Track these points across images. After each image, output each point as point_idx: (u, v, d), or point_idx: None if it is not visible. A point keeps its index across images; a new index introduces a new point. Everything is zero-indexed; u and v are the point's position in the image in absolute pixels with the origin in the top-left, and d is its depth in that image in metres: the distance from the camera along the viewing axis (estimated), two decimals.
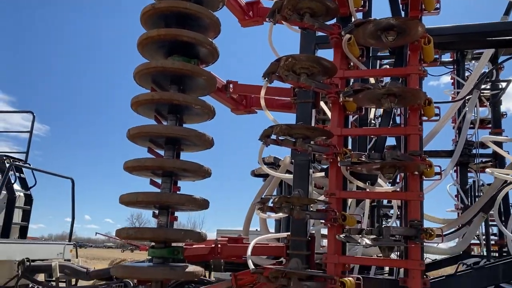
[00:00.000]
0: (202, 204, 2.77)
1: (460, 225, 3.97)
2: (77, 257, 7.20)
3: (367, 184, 3.11)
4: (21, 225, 7.06)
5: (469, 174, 6.12)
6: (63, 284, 6.09)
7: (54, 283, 6.02)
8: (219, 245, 3.36)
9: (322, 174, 3.76)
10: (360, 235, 2.54)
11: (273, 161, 4.92)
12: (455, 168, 5.97)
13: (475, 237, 5.38)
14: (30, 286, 6.13)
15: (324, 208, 2.85)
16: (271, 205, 2.66)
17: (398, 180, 3.99)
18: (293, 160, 3.34)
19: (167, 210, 2.80)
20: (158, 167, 2.68)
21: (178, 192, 2.83)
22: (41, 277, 6.39)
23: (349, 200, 3.53)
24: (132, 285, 5.24)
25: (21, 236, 7.07)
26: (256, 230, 5.90)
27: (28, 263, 5.77)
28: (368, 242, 2.46)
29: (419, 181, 2.74)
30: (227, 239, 3.57)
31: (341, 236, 2.61)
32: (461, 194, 5.65)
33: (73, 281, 6.35)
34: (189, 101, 2.68)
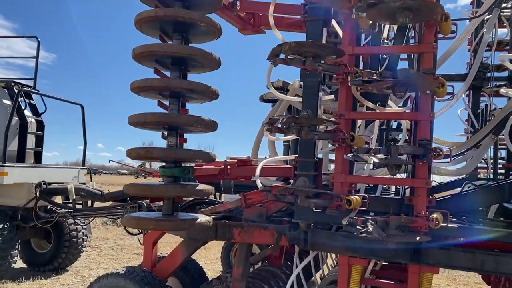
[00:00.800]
0: (210, 125, 2.77)
1: (469, 148, 3.97)
2: (91, 181, 7.45)
3: (377, 105, 3.07)
4: (35, 151, 7.24)
5: (481, 99, 6.00)
6: (80, 206, 6.35)
7: (71, 205, 6.31)
8: (228, 166, 3.42)
9: (332, 97, 3.71)
10: (368, 154, 2.55)
11: (282, 85, 4.84)
12: (467, 92, 5.85)
13: (483, 161, 5.41)
14: (48, 207, 6.42)
15: (332, 129, 2.84)
16: (280, 126, 2.66)
17: (408, 104, 3.94)
18: (302, 83, 3.28)
19: (176, 131, 2.81)
20: (165, 87, 2.64)
21: (185, 114, 2.82)
22: (58, 199, 6.66)
23: (358, 123, 3.51)
24: (146, 206, 5.45)
25: (36, 161, 7.28)
26: (265, 157, 6.00)
27: (44, 185, 5.99)
28: (376, 160, 2.47)
29: (430, 100, 2.69)
30: (236, 161, 3.62)
31: (349, 155, 2.62)
32: (472, 118, 5.58)
33: (89, 203, 6.63)
34: (194, 18, 2.57)
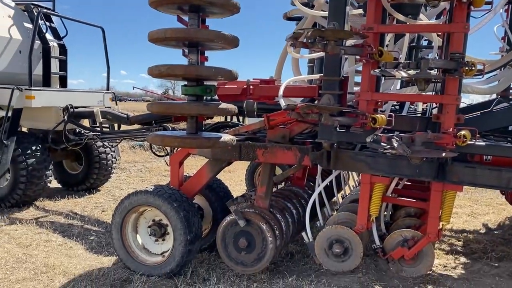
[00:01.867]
0: (232, 41, 2.68)
1: (503, 65, 3.77)
2: (116, 105, 7.56)
3: (409, 17, 2.89)
4: (60, 75, 7.29)
5: None
6: (106, 130, 6.51)
7: (98, 128, 6.47)
8: (251, 86, 3.37)
9: (360, 11, 3.51)
10: (397, 69, 2.45)
11: (307, 1, 4.59)
12: (506, 6, 5.43)
13: None
14: (76, 130, 6.61)
15: (360, 43, 2.71)
16: (304, 40, 2.55)
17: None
18: None
19: (197, 48, 2.74)
20: (185, 1, 2.53)
21: (205, 29, 2.73)
22: (85, 123, 6.83)
23: (387, 38, 3.34)
24: (170, 129, 5.54)
25: (62, 86, 7.37)
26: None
27: (72, 109, 6.11)
28: (405, 75, 2.37)
29: (466, 11, 2.51)
30: (259, 81, 3.55)
31: (376, 70, 2.52)
32: (508, 35, 5.23)
33: (115, 127, 6.78)
34: None
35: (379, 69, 2.54)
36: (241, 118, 5.70)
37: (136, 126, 6.32)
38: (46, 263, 3.96)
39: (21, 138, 5.79)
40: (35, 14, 6.55)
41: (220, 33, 2.57)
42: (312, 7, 4.11)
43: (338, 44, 2.59)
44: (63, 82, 7.40)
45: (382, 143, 2.49)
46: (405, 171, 3.02)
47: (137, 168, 9.44)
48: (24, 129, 6.62)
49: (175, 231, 3.66)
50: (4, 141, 5.46)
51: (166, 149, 5.73)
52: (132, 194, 3.85)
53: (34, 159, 5.76)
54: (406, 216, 3.92)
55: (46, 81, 6.83)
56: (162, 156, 5.80)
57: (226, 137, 2.86)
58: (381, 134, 2.58)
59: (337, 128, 3.08)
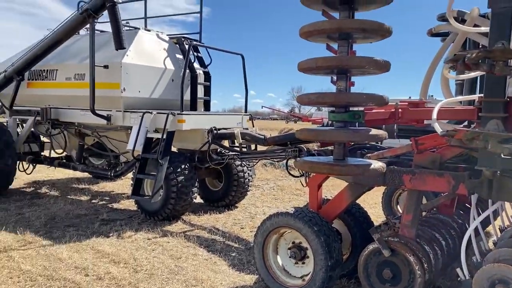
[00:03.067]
0: (384, 66, 2.61)
1: None
2: (253, 126, 7.93)
3: None
4: (204, 100, 7.97)
5: None
6: (244, 149, 6.88)
7: (237, 148, 6.87)
8: (399, 109, 3.22)
9: None
10: None
11: (456, 15, 4.27)
12: None
13: None
14: (218, 150, 7.10)
15: None
16: (466, 62, 2.35)
17: None
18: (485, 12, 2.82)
19: (346, 75, 2.73)
20: (337, 29, 2.55)
21: (357, 55, 2.70)
22: (225, 143, 7.29)
23: None
24: (305, 150, 5.60)
25: (205, 109, 8.03)
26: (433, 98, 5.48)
27: (215, 131, 6.59)
28: None
29: None
30: (407, 103, 3.38)
31: None
32: None
33: (252, 146, 7.13)
34: None
35: None
36: None
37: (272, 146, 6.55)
38: (196, 276, 4.28)
39: (173, 158, 6.42)
40: (186, 46, 7.30)
41: (373, 59, 2.52)
42: (461, 21, 3.80)
43: (506, 64, 2.33)
44: (206, 106, 8.07)
45: None
46: None
47: (270, 186, 9.74)
48: (174, 149, 7.36)
49: (315, 256, 3.65)
50: (160, 160, 6.11)
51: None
52: (274, 216, 3.95)
53: (183, 177, 6.34)
54: None
55: (193, 106, 7.52)
56: (297, 176, 5.88)
57: (375, 164, 2.77)
58: None
59: (502, 155, 2.75)
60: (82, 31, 8.13)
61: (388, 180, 3.51)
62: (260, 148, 7.03)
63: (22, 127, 8.49)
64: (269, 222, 3.97)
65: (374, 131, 2.65)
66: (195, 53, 7.92)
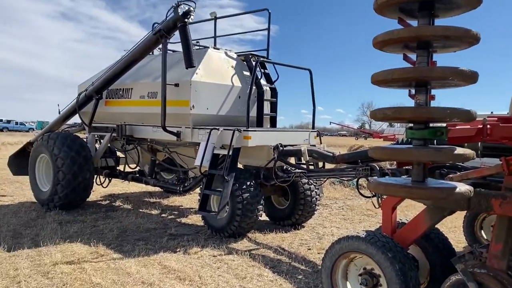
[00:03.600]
0: (470, 77, 2.32)
1: None
2: (320, 143, 7.70)
3: None
4: (270, 116, 7.90)
5: None
6: (311, 167, 6.66)
7: (304, 166, 6.68)
8: (488, 126, 2.87)
9: None
10: None
11: None
12: None
13: None
14: (284, 167, 6.95)
15: None
16: None
17: None
18: None
19: (426, 87, 2.47)
20: (415, 37, 2.32)
21: (438, 66, 2.43)
22: (291, 160, 7.13)
23: None
24: (378, 169, 5.28)
25: (272, 126, 7.95)
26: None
27: (281, 147, 6.47)
28: None
29: None
30: (496, 118, 3.02)
31: None
32: None
33: (319, 164, 6.89)
34: None
35: None
36: None
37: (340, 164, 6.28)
38: None
39: (238, 174, 6.37)
40: (253, 63, 7.31)
41: (457, 70, 2.25)
42: None
43: None
44: (273, 122, 8.00)
45: None
46: None
47: (338, 206, 9.38)
48: (240, 166, 7.33)
49: (389, 285, 3.34)
50: (226, 177, 6.09)
51: None
52: (343, 239, 3.71)
53: (248, 194, 6.26)
54: None
55: (259, 122, 7.48)
56: (368, 197, 5.55)
57: (461, 187, 2.46)
58: None
59: None
60: (156, 51, 8.49)
61: (474, 205, 3.13)
62: (328, 166, 6.79)
63: (100, 142, 8.98)
64: (339, 245, 3.73)
65: (460, 150, 2.35)
66: (262, 70, 7.92)
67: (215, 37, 8.58)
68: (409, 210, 8.46)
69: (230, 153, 6.22)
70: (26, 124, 64.25)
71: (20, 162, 9.64)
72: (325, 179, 6.72)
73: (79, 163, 7.80)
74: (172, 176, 10.15)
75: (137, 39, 7.46)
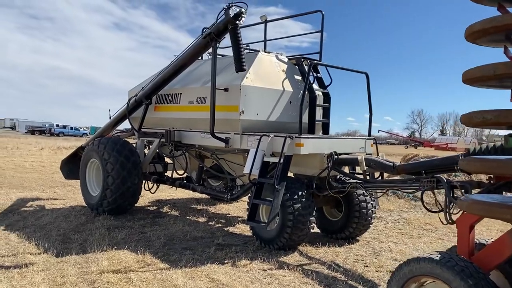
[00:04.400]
0: None
1: None
2: (377, 152, 7.21)
3: None
4: (323, 122, 7.51)
5: None
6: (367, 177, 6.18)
7: (360, 175, 6.22)
8: None
9: None
10: None
11: None
12: None
13: None
14: (337, 176, 6.52)
15: None
16: None
17: None
18: None
19: None
20: None
21: None
22: (345, 170, 6.69)
23: None
24: (445, 181, 4.75)
25: (324, 133, 7.56)
26: None
27: (336, 156, 6.06)
28: None
29: None
30: None
31: None
32: None
33: (375, 174, 6.42)
34: None
35: None
36: None
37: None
38: None
39: (290, 183, 6.03)
40: (306, 67, 6.96)
41: None
42: None
43: None
44: (325, 129, 7.60)
45: None
46: None
47: (394, 218, 8.79)
48: (290, 174, 6.98)
49: None
50: (276, 186, 5.77)
51: (440, 203, 4.93)
52: (413, 261, 3.27)
53: (300, 204, 5.90)
54: None
55: (311, 129, 7.11)
56: (435, 212, 5.01)
57: None
58: None
59: None
60: (205, 56, 8.35)
61: None
62: (384, 175, 6.29)
63: (149, 148, 8.95)
64: (408, 268, 3.30)
65: None
66: (314, 74, 7.56)
67: (265, 41, 8.32)
68: (481, 227, 7.74)
69: (281, 161, 5.90)
70: (80, 129, 67.35)
71: (72, 166, 9.82)
72: (384, 191, 6.22)
73: (128, 168, 7.76)
74: (219, 183, 9.97)
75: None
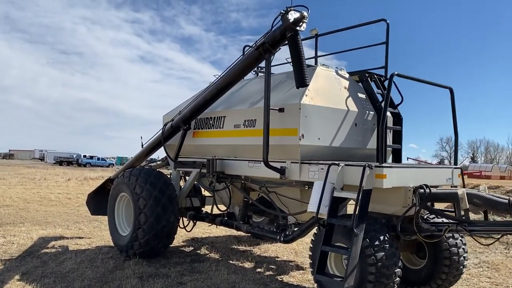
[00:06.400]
0: None
1: None
2: (463, 183, 5.89)
3: None
4: (393, 148, 6.29)
5: None
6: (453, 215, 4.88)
7: (453, 214, 4.92)
8: None
9: None
10: None
11: None
12: None
13: None
14: (425, 216, 5.24)
15: None
16: None
17: None
18: None
19: None
20: None
21: None
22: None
23: None
24: None
25: (395, 160, 6.33)
26: None
27: (427, 190, 4.79)
28: None
29: None
30: None
31: None
32: None
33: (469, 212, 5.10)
34: None
35: None
36: None
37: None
38: None
39: (368, 225, 4.78)
40: (371, 83, 5.82)
41: None
42: None
43: None
44: (397, 156, 6.37)
45: None
46: None
47: (473, 262, 7.34)
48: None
49: None
50: (355, 229, 4.52)
51: None
52: None
53: (383, 253, 4.62)
54: None
55: (380, 156, 5.88)
56: None
57: None
58: None
59: None
60: (249, 76, 7.30)
61: None
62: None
63: (185, 180, 7.87)
64: None
65: None
66: (381, 90, 6.41)
67: (316, 57, 7.22)
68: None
69: (360, 196, 4.66)
70: (106, 160, 67.59)
71: (99, 201, 8.79)
72: (499, 237, 4.88)
73: (163, 203, 6.68)
74: (262, 219, 8.75)
75: (209, 78, 6.34)
